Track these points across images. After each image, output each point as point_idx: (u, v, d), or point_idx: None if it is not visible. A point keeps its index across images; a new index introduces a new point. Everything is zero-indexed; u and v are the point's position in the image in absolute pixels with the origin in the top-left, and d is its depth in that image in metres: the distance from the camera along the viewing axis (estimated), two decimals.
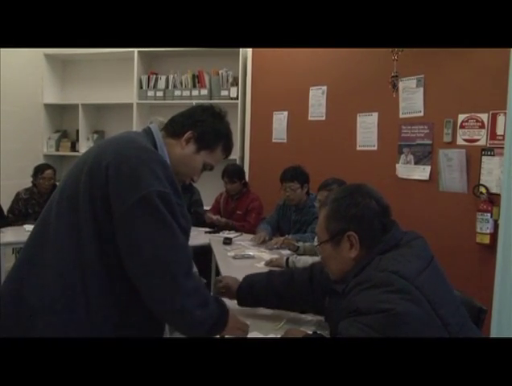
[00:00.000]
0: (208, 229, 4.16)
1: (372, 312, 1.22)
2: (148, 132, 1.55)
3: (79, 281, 1.35)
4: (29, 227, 3.65)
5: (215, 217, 4.27)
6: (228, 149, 1.66)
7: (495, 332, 2.69)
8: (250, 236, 3.88)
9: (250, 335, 1.68)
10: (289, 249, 3.30)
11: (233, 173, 4.30)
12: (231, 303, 1.80)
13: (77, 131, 5.71)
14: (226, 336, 1.56)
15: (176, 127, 1.59)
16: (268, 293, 1.81)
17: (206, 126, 1.58)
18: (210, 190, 4.71)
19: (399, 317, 1.19)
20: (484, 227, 2.97)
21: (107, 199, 1.35)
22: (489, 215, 2.95)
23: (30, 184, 4.55)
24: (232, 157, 5.30)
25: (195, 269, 1.53)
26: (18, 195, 4.48)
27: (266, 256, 3.14)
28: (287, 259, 2.87)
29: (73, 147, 5.77)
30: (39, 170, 4.52)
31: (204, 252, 3.80)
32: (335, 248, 1.47)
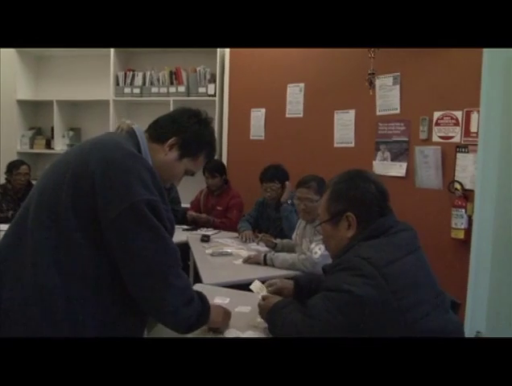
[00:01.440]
0: (186, 227, 4.14)
1: (337, 290, 1.37)
2: (132, 135, 1.52)
3: (59, 282, 1.34)
4: (3, 227, 3.58)
5: (195, 214, 4.25)
6: (210, 156, 1.67)
7: (468, 325, 2.74)
8: (229, 234, 3.88)
9: (228, 333, 1.68)
10: (267, 246, 3.30)
11: (214, 167, 4.29)
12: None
13: (52, 128, 5.61)
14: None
15: (160, 132, 1.57)
16: None
17: (190, 134, 1.57)
18: (189, 187, 4.68)
19: (358, 299, 1.31)
20: (458, 222, 3.02)
21: (94, 205, 1.34)
22: (463, 210, 3.00)
23: (3, 181, 4.48)
24: None
25: None
26: None
27: (244, 253, 3.14)
28: (265, 256, 2.87)
29: (48, 145, 5.67)
30: (13, 167, 4.47)
31: (182, 250, 3.78)
32: (334, 228, 1.57)
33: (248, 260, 2.92)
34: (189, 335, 1.55)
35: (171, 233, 1.49)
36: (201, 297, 1.57)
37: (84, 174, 1.36)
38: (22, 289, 1.35)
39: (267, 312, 1.68)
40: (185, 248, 3.61)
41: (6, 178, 4.46)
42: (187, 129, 1.57)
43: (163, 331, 1.64)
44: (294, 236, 3.10)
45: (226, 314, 1.75)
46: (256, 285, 1.96)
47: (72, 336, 1.33)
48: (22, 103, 5.61)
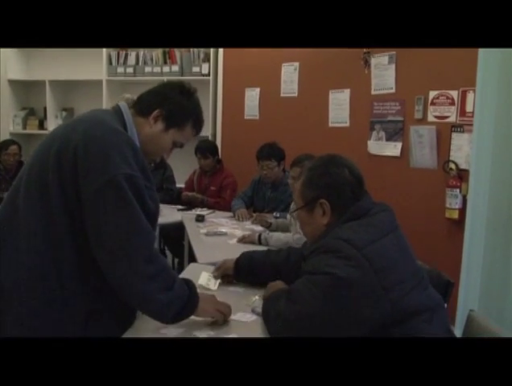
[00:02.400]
0: (180, 207, 4.13)
1: (319, 273, 1.35)
2: (117, 111, 1.53)
3: (52, 260, 1.37)
4: None
5: (190, 194, 4.25)
6: (198, 126, 1.64)
7: (462, 303, 2.76)
8: (224, 213, 3.87)
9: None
10: (261, 225, 3.30)
11: (206, 149, 4.29)
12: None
13: (45, 108, 5.56)
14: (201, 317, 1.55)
15: (144, 105, 1.57)
16: (265, 266, 1.87)
17: (174, 104, 1.55)
18: (183, 168, 4.69)
19: (340, 281, 1.30)
20: (453, 202, 3.02)
21: (76, 180, 1.35)
22: (458, 190, 3.00)
23: None
24: (204, 134, 5.20)
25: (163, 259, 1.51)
26: None
27: (239, 232, 3.14)
28: (260, 235, 2.87)
29: (41, 125, 5.61)
30: (2, 146, 4.46)
31: (177, 230, 3.80)
32: (309, 215, 1.55)
33: (242, 240, 2.92)
34: (184, 335, 1.48)
35: (155, 213, 1.48)
36: (188, 284, 1.50)
37: (67, 150, 1.37)
38: (18, 270, 1.38)
39: (264, 300, 1.66)
40: (180, 227, 3.62)
41: None
42: (171, 100, 1.55)
43: None
44: (288, 216, 3.11)
45: (220, 305, 1.59)
46: (204, 278, 1.88)
47: (67, 314, 1.38)
48: (13, 83, 5.55)
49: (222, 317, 1.56)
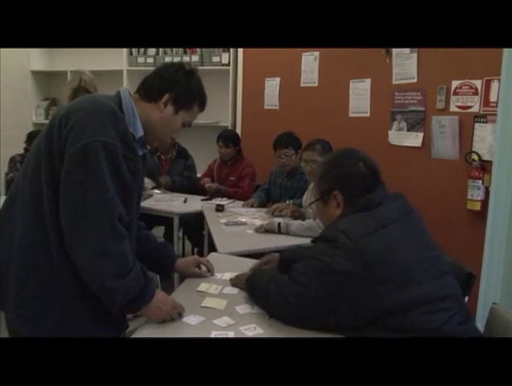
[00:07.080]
0: (203, 197, 4.13)
1: (314, 258, 1.46)
2: (116, 95, 1.55)
3: (41, 238, 1.40)
4: None
5: (207, 185, 4.23)
6: (203, 103, 1.69)
7: (483, 297, 2.74)
8: (243, 203, 3.88)
9: (240, 309, 1.66)
10: (292, 216, 3.25)
11: (228, 138, 4.31)
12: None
13: None
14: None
15: (151, 91, 1.60)
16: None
17: (181, 87, 1.60)
18: (206, 159, 4.70)
19: (329, 267, 1.39)
20: (475, 194, 2.98)
21: (61, 150, 1.38)
22: (480, 182, 2.95)
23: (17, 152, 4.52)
24: (224, 124, 5.21)
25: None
26: (13, 159, 4.45)
27: (258, 222, 3.15)
28: (279, 224, 2.87)
29: None
30: (33, 137, 4.49)
31: (197, 219, 3.82)
32: (324, 206, 1.63)
33: (260, 229, 2.92)
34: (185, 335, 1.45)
35: (131, 186, 1.48)
36: (146, 278, 1.48)
37: (54, 124, 1.41)
38: (13, 246, 1.43)
39: (247, 279, 1.72)
40: (200, 217, 3.64)
41: (26, 148, 4.49)
42: (178, 83, 1.60)
43: None
44: (304, 199, 3.12)
45: (175, 303, 1.57)
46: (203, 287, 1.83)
47: (55, 291, 1.41)
48: (36, 74, 5.63)
49: (177, 314, 1.54)
